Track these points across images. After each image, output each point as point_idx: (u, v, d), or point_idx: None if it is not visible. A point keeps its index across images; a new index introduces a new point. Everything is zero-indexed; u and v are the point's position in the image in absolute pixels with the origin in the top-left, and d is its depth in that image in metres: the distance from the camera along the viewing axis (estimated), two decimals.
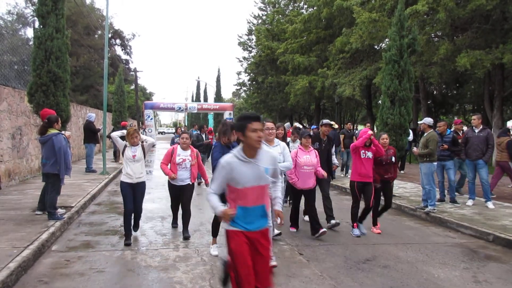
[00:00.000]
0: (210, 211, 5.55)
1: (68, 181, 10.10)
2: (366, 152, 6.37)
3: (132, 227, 5.98)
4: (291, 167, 5.63)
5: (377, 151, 6.42)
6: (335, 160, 7.68)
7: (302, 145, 6.45)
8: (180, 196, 6.18)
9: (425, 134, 8.14)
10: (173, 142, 13.01)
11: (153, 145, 6.56)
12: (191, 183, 6.14)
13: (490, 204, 8.40)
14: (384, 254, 5.54)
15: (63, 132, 6.99)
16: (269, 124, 5.57)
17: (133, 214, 5.98)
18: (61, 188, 6.92)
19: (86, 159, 13.37)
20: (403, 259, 5.33)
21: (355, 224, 6.55)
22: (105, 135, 14.15)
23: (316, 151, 6.55)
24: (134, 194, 5.86)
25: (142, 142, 6.00)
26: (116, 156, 17.21)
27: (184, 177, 6.07)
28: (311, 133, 7.21)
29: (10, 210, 7.16)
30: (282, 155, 5.40)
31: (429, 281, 4.61)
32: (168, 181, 6.16)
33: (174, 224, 6.77)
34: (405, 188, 11.06)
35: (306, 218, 7.13)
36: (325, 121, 7.50)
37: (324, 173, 6.49)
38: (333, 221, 6.80)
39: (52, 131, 6.61)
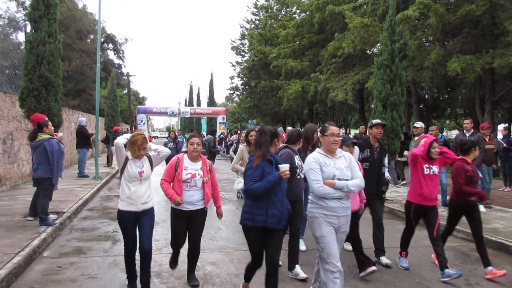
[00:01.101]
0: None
1: (60, 186, 10.01)
2: (431, 166, 4.97)
3: (140, 279, 4.24)
4: (363, 185, 3.92)
5: (445, 161, 5.14)
6: (387, 173, 6.03)
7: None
8: (189, 226, 4.45)
9: (416, 138, 8.22)
10: (165, 146, 11.78)
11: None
12: (204, 208, 4.47)
13: (481, 208, 8.47)
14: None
15: (56, 134, 6.94)
16: (334, 129, 3.90)
17: (138, 252, 4.23)
18: (52, 194, 6.87)
19: (79, 164, 13.29)
20: (396, 262, 5.35)
21: (403, 253, 5.35)
22: (97, 139, 14.08)
23: (359, 162, 5.06)
24: (139, 226, 4.20)
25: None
26: (109, 160, 17.11)
27: (194, 199, 4.37)
28: (355, 139, 5.77)
29: (1, 216, 7.09)
30: (349, 170, 3.89)
31: (421, 285, 4.64)
32: (171, 206, 4.45)
33: (173, 264, 4.74)
34: (397, 192, 11.12)
35: (348, 246, 5.57)
36: (376, 121, 5.79)
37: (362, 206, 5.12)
38: (385, 260, 5.31)
39: (43, 135, 6.56)
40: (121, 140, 4.10)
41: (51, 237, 6.12)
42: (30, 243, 5.45)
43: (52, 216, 6.86)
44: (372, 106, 12.36)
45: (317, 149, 4.01)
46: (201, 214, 4.46)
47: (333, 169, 3.78)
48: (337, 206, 3.75)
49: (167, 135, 20.46)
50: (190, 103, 55.64)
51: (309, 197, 3.93)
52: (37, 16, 8.72)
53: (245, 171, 3.83)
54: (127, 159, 4.12)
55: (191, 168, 4.40)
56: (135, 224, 4.19)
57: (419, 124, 9.06)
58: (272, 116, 37.18)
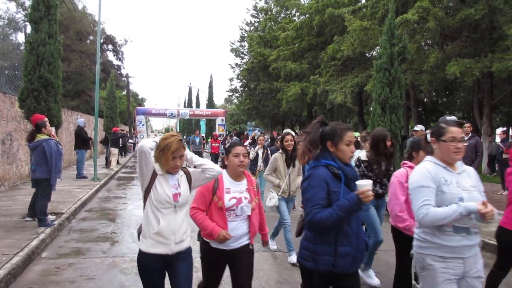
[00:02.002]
0: None
1: (59, 187, 10.01)
2: None
3: None
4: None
5: None
6: None
7: (415, 161, 3.92)
8: (232, 272, 3.19)
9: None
10: None
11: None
12: (249, 245, 3.21)
13: None
14: (375, 261, 5.56)
15: (53, 135, 6.93)
16: (456, 131, 2.74)
17: None
18: (51, 195, 6.87)
19: (77, 165, 13.28)
20: (393, 265, 5.35)
21: None
22: (96, 141, 14.08)
23: None
24: (171, 276, 2.86)
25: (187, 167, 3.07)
26: (108, 162, 17.09)
27: (239, 232, 3.13)
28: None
29: (0, 217, 7.08)
30: (477, 191, 2.87)
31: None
32: (202, 244, 3.24)
33: None
34: None
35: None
36: (451, 118, 4.97)
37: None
38: None
39: (41, 136, 6.56)
40: (148, 143, 2.69)
41: (49, 238, 6.12)
42: (28, 243, 5.45)
43: (50, 217, 6.85)
44: (371, 109, 12.39)
45: (430, 158, 2.80)
46: (248, 253, 3.18)
47: (457, 189, 2.60)
48: (461, 244, 2.57)
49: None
50: (189, 104, 55.66)
51: (416, 230, 2.79)
52: (37, 17, 8.74)
53: (303, 192, 2.68)
54: (154, 174, 2.75)
55: (235, 190, 3.15)
56: (164, 274, 2.86)
57: (419, 127, 9.03)
58: (271, 118, 37.25)
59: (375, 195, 3.61)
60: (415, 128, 9.23)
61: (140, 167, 2.73)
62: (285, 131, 6.37)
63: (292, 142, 5.56)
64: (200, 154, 16.38)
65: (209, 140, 23.26)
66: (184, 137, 29.56)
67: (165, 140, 2.73)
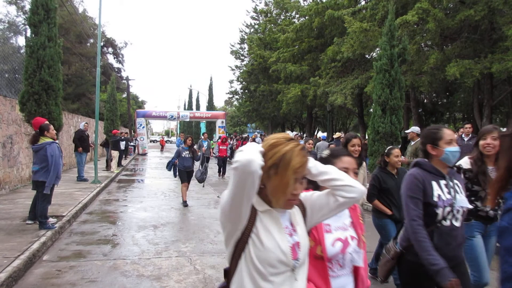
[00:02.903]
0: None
1: (59, 190, 10.04)
2: None
3: None
4: None
5: None
6: None
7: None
8: None
9: (412, 143, 8.19)
10: (178, 155, 9.69)
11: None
12: None
13: None
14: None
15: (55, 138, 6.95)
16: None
17: None
18: (52, 197, 6.87)
19: (77, 167, 13.28)
20: None
21: None
22: (97, 143, 14.08)
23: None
24: None
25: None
26: (108, 164, 17.10)
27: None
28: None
29: (1, 220, 7.08)
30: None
31: None
32: None
33: None
34: None
35: None
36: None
37: None
38: None
39: (45, 139, 6.59)
40: (256, 156, 1.44)
41: (50, 241, 6.12)
42: (29, 246, 5.46)
43: (51, 220, 6.85)
44: (371, 110, 12.40)
45: None
46: None
47: None
48: None
49: (179, 139, 17.62)
50: (189, 107, 55.64)
51: None
52: (37, 20, 8.77)
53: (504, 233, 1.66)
54: (253, 211, 1.59)
55: (337, 227, 2.01)
56: None
57: (410, 129, 8.73)
58: (271, 120, 37.28)
59: (482, 218, 3.00)
60: (409, 130, 8.79)
61: (234, 199, 1.47)
62: (346, 134, 4.56)
63: (360, 148, 4.42)
64: (207, 159, 15.76)
65: (212, 141, 22.95)
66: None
67: (278, 148, 1.53)
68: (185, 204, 9.49)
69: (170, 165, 9.85)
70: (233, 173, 1.43)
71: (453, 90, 23.86)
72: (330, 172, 1.68)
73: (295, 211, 1.69)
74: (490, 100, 16.73)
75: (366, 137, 21.22)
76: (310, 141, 9.23)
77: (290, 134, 6.27)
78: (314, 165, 1.67)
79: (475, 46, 15.39)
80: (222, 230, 1.61)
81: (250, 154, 1.42)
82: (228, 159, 17.89)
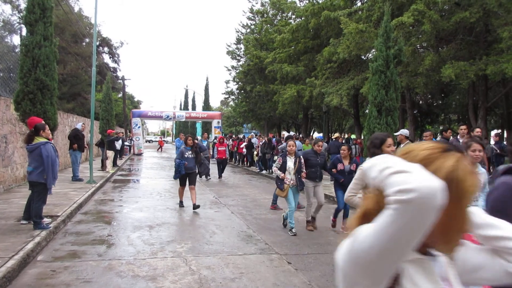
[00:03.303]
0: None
1: (54, 190, 9.98)
2: None
3: None
4: None
5: None
6: None
7: None
8: None
9: (402, 145, 8.18)
10: (181, 155, 9.19)
11: None
12: None
13: None
14: None
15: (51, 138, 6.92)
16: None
17: None
18: (47, 197, 6.84)
19: (72, 166, 13.22)
20: None
21: None
22: (92, 143, 14.03)
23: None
24: None
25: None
26: (103, 164, 17.03)
27: None
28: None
29: None
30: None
31: None
32: None
33: None
34: None
35: None
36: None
37: None
38: None
39: (40, 139, 6.54)
40: (439, 184, 0.85)
41: (45, 241, 6.08)
42: (24, 247, 5.42)
43: (46, 220, 6.81)
44: (367, 111, 12.45)
45: None
46: None
47: None
48: None
49: (179, 139, 16.82)
50: (185, 107, 55.58)
51: None
52: (32, 19, 8.72)
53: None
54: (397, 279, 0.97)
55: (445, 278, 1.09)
56: None
57: (398, 132, 8.46)
58: (267, 121, 37.27)
59: None
60: (398, 133, 8.57)
61: (391, 248, 0.90)
62: (377, 133, 4.35)
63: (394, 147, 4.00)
64: (208, 159, 15.27)
65: (206, 141, 22.76)
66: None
67: (437, 164, 1.02)
68: (181, 204, 9.46)
69: (177, 174, 9.06)
70: (397, 209, 0.86)
71: (448, 92, 23.99)
72: (501, 226, 1.14)
73: (446, 260, 1.11)
74: (485, 101, 16.84)
75: (362, 138, 21.27)
76: (320, 143, 7.70)
77: (286, 134, 6.08)
78: (477, 211, 1.18)
79: (470, 48, 15.49)
80: (341, 285, 1.08)
81: (430, 179, 0.87)
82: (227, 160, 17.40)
